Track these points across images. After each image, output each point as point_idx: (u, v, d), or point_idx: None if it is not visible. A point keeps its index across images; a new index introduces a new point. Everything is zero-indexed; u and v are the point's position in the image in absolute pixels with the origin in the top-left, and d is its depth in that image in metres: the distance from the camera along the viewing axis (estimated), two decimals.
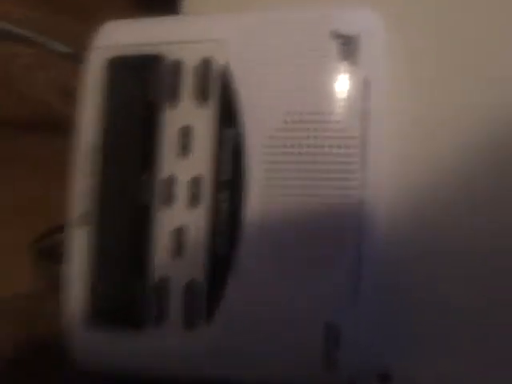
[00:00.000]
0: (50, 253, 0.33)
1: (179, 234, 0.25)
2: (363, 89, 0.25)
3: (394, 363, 0.25)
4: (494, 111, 0.25)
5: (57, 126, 0.38)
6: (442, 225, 0.25)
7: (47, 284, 0.36)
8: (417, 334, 0.25)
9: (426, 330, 0.25)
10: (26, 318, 0.35)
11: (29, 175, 0.37)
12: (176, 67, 0.27)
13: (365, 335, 0.24)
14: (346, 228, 0.24)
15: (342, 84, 0.24)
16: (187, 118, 0.26)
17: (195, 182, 0.26)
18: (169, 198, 0.26)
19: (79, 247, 0.27)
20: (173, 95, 0.26)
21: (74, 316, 0.27)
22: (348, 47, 0.25)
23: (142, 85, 0.27)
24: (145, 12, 0.30)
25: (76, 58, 0.31)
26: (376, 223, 0.24)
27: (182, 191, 0.26)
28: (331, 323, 0.24)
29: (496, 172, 0.25)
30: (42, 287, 0.36)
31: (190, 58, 0.26)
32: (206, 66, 0.26)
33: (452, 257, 0.25)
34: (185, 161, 0.26)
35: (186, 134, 0.26)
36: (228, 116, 0.25)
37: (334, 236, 0.24)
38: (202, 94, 0.26)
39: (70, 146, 0.28)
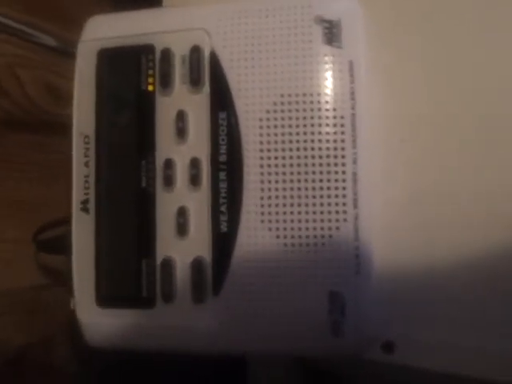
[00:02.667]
0: (51, 245, 0.34)
1: (182, 214, 0.26)
2: (348, 70, 0.26)
3: (398, 331, 0.26)
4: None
5: (45, 125, 0.39)
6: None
7: (50, 275, 0.36)
8: (418, 302, 0.26)
9: (426, 298, 0.26)
10: (32, 309, 0.35)
11: (21, 174, 0.37)
12: (166, 56, 0.27)
13: (368, 303, 0.25)
14: (343, 198, 0.25)
15: (329, 66, 0.26)
16: (181, 103, 0.27)
17: (194, 164, 0.26)
18: (169, 181, 0.27)
19: (84, 234, 0.28)
20: (165, 83, 0.27)
21: (84, 300, 0.27)
22: (332, 31, 0.26)
23: (134, 74, 0.28)
24: (127, 6, 0.30)
25: (64, 52, 0.31)
26: (370, 193, 0.26)
27: (181, 174, 0.27)
28: (335, 292, 0.25)
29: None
30: (45, 279, 0.36)
31: (178, 47, 0.27)
32: (195, 53, 0.27)
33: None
34: (182, 145, 0.27)
35: (181, 118, 0.27)
36: (220, 100, 0.26)
37: (332, 208, 0.25)
38: (195, 81, 0.27)
39: (60, 144, 0.28)
